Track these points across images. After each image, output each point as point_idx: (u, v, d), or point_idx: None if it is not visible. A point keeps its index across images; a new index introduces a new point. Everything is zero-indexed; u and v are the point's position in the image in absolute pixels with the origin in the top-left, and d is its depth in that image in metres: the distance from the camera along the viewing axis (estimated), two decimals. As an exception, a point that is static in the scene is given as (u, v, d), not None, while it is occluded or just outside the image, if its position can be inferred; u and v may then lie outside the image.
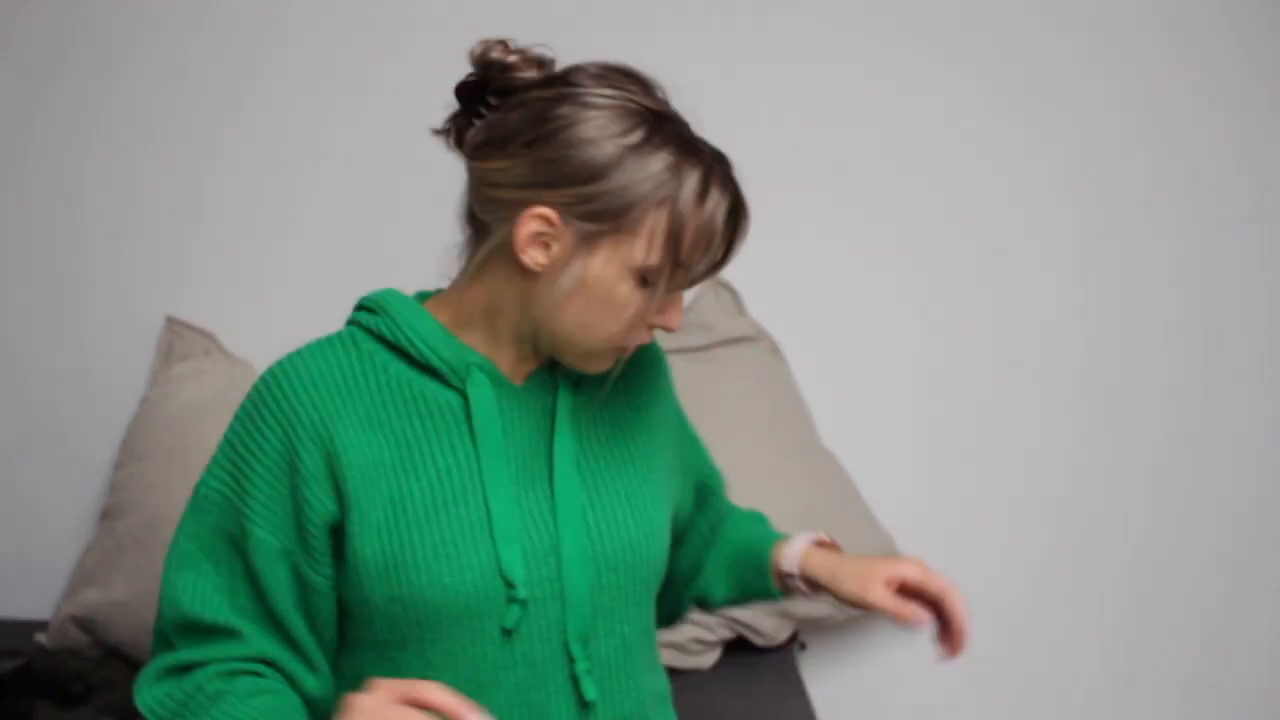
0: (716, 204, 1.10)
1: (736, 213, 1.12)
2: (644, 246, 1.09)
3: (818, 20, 2.00)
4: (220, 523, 1.15)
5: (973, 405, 2.02)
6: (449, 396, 1.16)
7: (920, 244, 2.01)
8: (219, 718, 1.10)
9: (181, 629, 1.14)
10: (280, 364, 1.18)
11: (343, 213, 2.08)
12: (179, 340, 2.07)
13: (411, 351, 1.16)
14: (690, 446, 1.36)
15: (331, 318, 2.11)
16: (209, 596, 1.14)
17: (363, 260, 2.07)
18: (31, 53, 2.11)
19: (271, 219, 2.10)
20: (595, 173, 1.07)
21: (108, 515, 1.96)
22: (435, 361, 1.16)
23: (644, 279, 1.10)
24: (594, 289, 1.10)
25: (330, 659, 1.19)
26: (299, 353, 1.19)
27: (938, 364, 2.02)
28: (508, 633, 1.13)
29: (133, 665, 1.88)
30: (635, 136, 1.08)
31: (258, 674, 1.14)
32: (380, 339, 1.18)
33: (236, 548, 1.14)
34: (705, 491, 1.38)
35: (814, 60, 2.01)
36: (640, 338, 1.15)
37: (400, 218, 2.01)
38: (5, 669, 1.68)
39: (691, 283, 1.13)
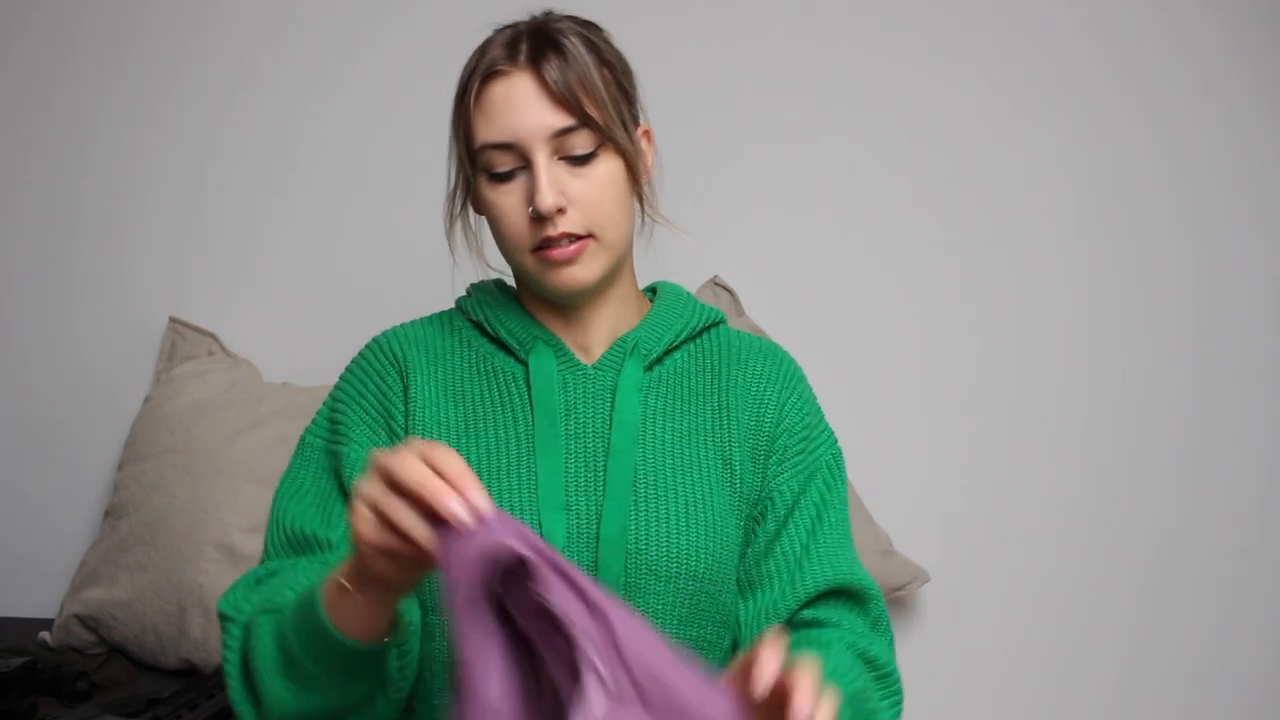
0: (469, 73, 1.17)
1: (475, 73, 1.16)
2: (464, 147, 1.18)
3: (821, 15, 2.00)
4: (321, 463, 1.22)
5: (971, 404, 2.02)
6: (516, 369, 1.22)
7: (919, 242, 2.02)
8: (277, 589, 1.11)
9: (285, 546, 1.19)
10: (379, 333, 1.27)
11: (345, 214, 2.08)
12: (182, 341, 2.08)
13: (486, 327, 1.23)
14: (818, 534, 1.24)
15: (333, 318, 2.14)
16: (310, 515, 1.19)
17: (365, 261, 2.08)
18: (32, 54, 2.12)
19: (274, 220, 2.10)
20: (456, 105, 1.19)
21: (111, 514, 1.97)
22: (504, 334, 1.22)
23: (490, 176, 1.16)
24: (485, 207, 1.19)
25: None
26: (399, 324, 1.28)
27: (936, 363, 2.02)
28: None
29: (136, 663, 1.89)
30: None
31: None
32: (469, 317, 1.26)
33: (334, 479, 1.20)
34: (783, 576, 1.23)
35: (816, 56, 2.01)
36: (541, 231, 1.15)
37: (404, 219, 2.02)
38: (10, 667, 1.69)
39: (522, 157, 1.15)
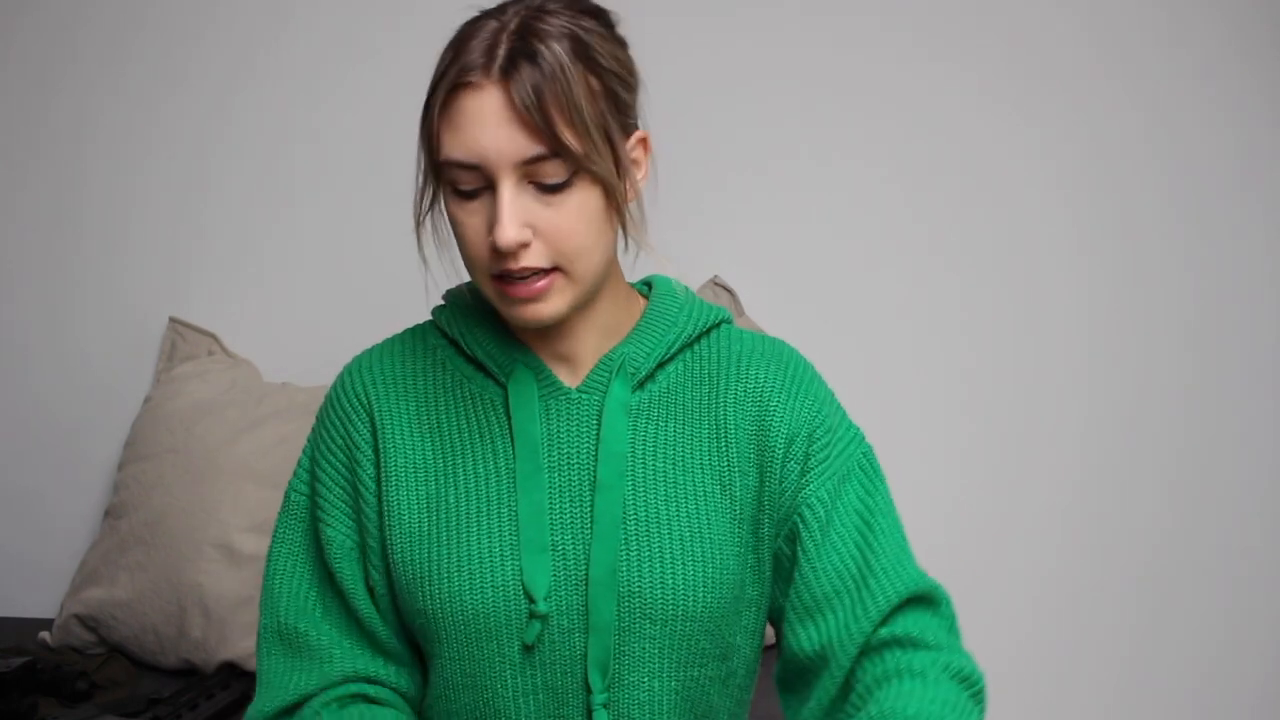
0: (439, 76, 1.04)
1: (444, 79, 1.03)
2: (430, 156, 1.06)
3: (822, 17, 2.00)
4: (309, 526, 1.16)
5: (972, 403, 2.02)
6: (495, 394, 1.12)
7: (922, 242, 2.02)
8: None
9: (280, 636, 1.14)
10: (349, 363, 1.18)
11: (345, 214, 2.08)
12: (182, 341, 2.08)
13: (462, 345, 1.14)
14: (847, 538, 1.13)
15: (334, 318, 2.14)
16: (305, 604, 1.14)
17: (365, 261, 2.08)
18: (33, 55, 2.12)
19: (274, 220, 2.10)
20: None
21: (111, 514, 1.97)
22: (481, 355, 1.13)
23: (454, 191, 1.05)
24: (450, 219, 1.08)
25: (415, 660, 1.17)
26: (369, 350, 1.19)
27: (936, 363, 2.02)
28: (529, 651, 1.08)
29: (136, 663, 1.89)
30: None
31: (366, 697, 1.12)
32: (444, 333, 1.17)
33: (321, 561, 1.15)
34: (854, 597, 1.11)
35: (819, 53, 2.01)
36: (501, 263, 1.03)
37: (404, 219, 2.01)
38: (10, 667, 1.69)
39: (482, 175, 1.03)
